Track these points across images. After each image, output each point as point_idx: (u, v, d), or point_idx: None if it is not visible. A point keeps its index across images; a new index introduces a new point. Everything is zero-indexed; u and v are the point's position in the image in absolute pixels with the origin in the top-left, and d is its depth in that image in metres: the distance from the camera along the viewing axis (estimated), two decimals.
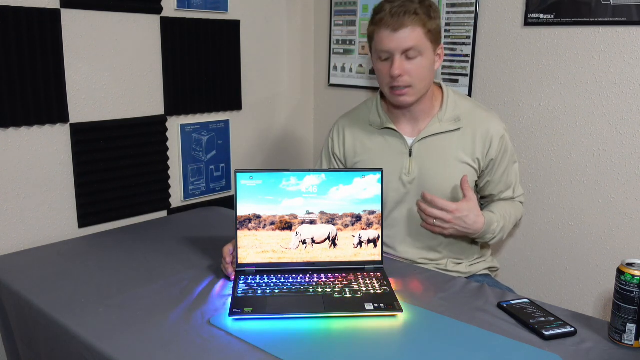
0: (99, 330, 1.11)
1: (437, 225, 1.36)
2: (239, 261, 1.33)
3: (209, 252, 1.52)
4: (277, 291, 1.23)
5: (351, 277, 1.30)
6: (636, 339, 1.05)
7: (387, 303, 1.18)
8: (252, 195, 1.33)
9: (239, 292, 1.23)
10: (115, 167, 1.78)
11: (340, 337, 1.09)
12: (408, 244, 1.53)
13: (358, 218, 1.35)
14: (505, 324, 1.14)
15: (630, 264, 1.05)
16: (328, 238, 1.35)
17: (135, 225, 1.80)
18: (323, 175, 1.35)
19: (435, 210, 1.35)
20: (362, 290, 1.24)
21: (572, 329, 1.11)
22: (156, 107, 1.88)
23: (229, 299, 1.22)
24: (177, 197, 1.99)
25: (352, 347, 1.05)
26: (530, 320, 1.13)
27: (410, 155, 1.48)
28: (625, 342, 1.06)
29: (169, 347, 1.05)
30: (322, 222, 1.35)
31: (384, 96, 1.53)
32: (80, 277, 1.36)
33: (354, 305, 1.18)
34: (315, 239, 1.35)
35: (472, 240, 1.53)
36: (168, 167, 1.94)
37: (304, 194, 1.34)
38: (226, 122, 2.10)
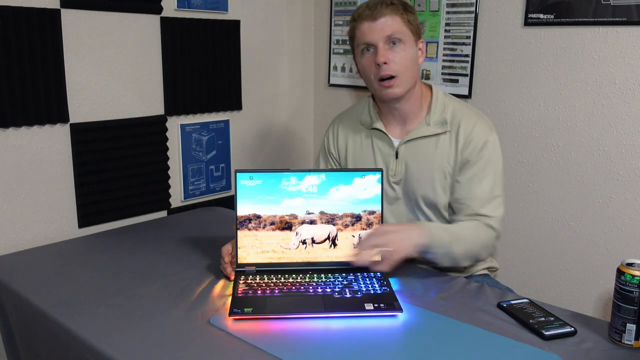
0: (99, 330, 1.10)
1: (380, 247, 1.27)
2: (239, 261, 1.33)
3: (209, 252, 1.52)
4: (277, 291, 1.23)
5: (351, 277, 1.30)
6: (636, 339, 1.05)
7: (387, 303, 1.18)
8: (252, 195, 1.33)
9: (239, 292, 1.23)
10: (115, 167, 1.78)
11: (340, 337, 1.09)
12: None
13: (358, 218, 1.35)
14: (505, 324, 1.14)
15: (630, 264, 1.05)
16: (328, 238, 1.35)
17: (135, 225, 1.80)
18: (323, 175, 1.35)
19: (366, 240, 1.29)
20: (362, 290, 1.24)
21: (572, 329, 1.10)
22: (156, 107, 1.88)
23: (229, 299, 1.22)
24: (177, 197, 1.99)
25: (352, 347, 1.05)
26: (530, 320, 1.13)
27: (397, 157, 1.48)
28: (625, 342, 1.06)
29: (169, 347, 1.05)
30: (322, 222, 1.35)
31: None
32: (80, 277, 1.36)
33: (354, 305, 1.18)
34: (315, 239, 1.35)
35: None
36: (168, 167, 1.94)
37: (304, 194, 1.34)
38: (226, 122, 2.10)
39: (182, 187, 2.00)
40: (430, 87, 1.50)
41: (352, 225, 1.35)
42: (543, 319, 1.14)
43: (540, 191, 1.87)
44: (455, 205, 1.43)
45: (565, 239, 1.84)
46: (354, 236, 1.35)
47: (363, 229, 1.35)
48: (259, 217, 1.33)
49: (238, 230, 1.33)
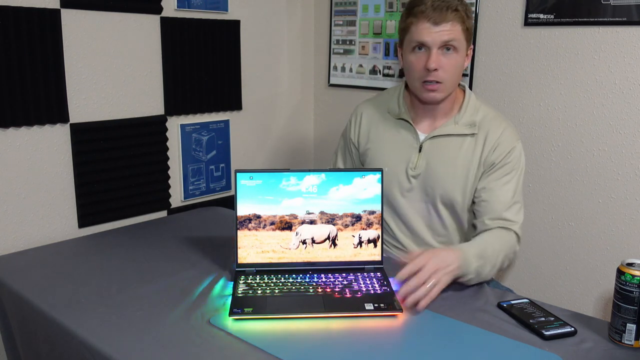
0: (99, 330, 1.11)
1: (431, 281, 1.18)
2: (239, 261, 1.33)
3: (209, 252, 1.52)
4: (277, 291, 1.23)
5: (351, 277, 1.30)
6: (636, 339, 1.05)
7: (387, 303, 1.18)
8: (252, 195, 1.33)
9: (239, 292, 1.23)
10: (115, 167, 1.78)
11: (340, 337, 1.09)
12: (407, 236, 1.53)
13: (358, 218, 1.35)
14: (505, 324, 1.14)
15: (630, 264, 1.05)
16: (328, 238, 1.35)
17: (135, 225, 1.80)
18: (323, 175, 1.35)
19: (414, 273, 1.18)
20: (362, 290, 1.24)
21: (572, 329, 1.11)
22: (156, 107, 1.88)
23: (229, 299, 1.22)
24: (177, 197, 1.99)
25: (352, 347, 1.05)
26: (530, 320, 1.13)
27: (420, 150, 1.48)
28: (625, 342, 1.06)
29: (169, 347, 1.05)
30: (322, 222, 1.35)
31: (407, 87, 1.53)
32: (80, 277, 1.36)
33: (354, 305, 1.18)
34: (315, 239, 1.35)
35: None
36: (168, 167, 1.94)
37: (304, 194, 1.34)
38: (226, 122, 2.10)
39: (182, 187, 2.00)
40: (463, 89, 1.51)
41: (352, 225, 1.35)
42: (543, 319, 1.14)
43: (540, 191, 1.87)
44: (479, 208, 1.44)
45: (565, 239, 1.84)
46: (354, 236, 1.35)
47: (363, 229, 1.35)
48: (259, 217, 1.33)
49: (238, 230, 1.33)
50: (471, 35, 1.42)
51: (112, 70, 1.74)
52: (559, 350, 1.04)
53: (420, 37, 1.37)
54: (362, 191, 1.35)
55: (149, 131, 1.87)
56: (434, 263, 1.19)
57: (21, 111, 1.55)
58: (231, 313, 1.15)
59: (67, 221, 1.71)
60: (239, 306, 1.17)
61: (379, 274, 1.32)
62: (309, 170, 1.35)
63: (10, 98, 1.52)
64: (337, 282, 1.28)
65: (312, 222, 1.35)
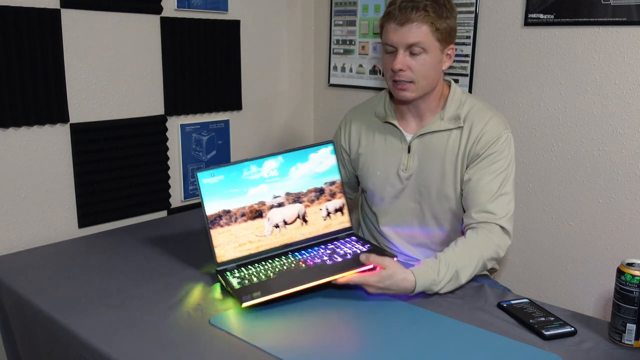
0: (99, 330, 1.11)
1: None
2: (218, 260, 1.32)
3: (209, 252, 1.52)
4: (270, 273, 1.25)
5: (331, 246, 1.34)
6: (636, 339, 1.05)
7: (379, 254, 1.23)
8: (217, 192, 1.33)
9: (235, 284, 1.23)
10: (115, 167, 1.78)
11: (340, 337, 1.09)
12: (403, 238, 1.54)
13: (321, 191, 1.39)
14: (505, 324, 1.14)
15: (630, 264, 1.05)
16: (298, 216, 1.38)
17: (135, 225, 1.80)
18: (280, 157, 1.37)
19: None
20: (350, 253, 1.28)
21: (572, 329, 1.11)
22: (156, 107, 1.88)
23: (229, 299, 1.22)
24: (177, 197, 1.99)
25: (352, 347, 1.05)
26: (530, 320, 1.13)
27: (409, 151, 1.48)
28: (625, 342, 1.06)
29: (169, 347, 1.05)
30: (290, 203, 1.37)
31: None
32: (80, 277, 1.36)
33: (350, 264, 1.22)
34: (286, 220, 1.37)
35: None
36: (168, 167, 1.94)
37: (266, 179, 1.36)
38: (226, 122, 2.10)
39: (182, 187, 2.00)
40: (449, 84, 1.50)
41: (318, 199, 1.39)
42: (543, 319, 1.14)
43: (540, 191, 1.87)
44: (465, 201, 1.43)
45: (565, 239, 1.84)
46: (321, 209, 1.40)
47: (328, 200, 1.40)
48: (228, 211, 1.33)
49: (211, 230, 1.32)
50: (447, 35, 1.37)
51: (112, 70, 1.74)
52: (559, 350, 1.04)
53: (388, 38, 1.37)
54: (319, 165, 1.40)
55: (149, 131, 1.87)
56: (384, 285, 1.20)
57: (21, 111, 1.55)
58: (242, 301, 1.15)
59: (67, 221, 1.71)
60: (247, 293, 1.17)
61: (354, 238, 1.35)
62: (266, 156, 1.36)
63: (10, 98, 1.52)
64: (321, 253, 1.31)
65: (280, 205, 1.36)
